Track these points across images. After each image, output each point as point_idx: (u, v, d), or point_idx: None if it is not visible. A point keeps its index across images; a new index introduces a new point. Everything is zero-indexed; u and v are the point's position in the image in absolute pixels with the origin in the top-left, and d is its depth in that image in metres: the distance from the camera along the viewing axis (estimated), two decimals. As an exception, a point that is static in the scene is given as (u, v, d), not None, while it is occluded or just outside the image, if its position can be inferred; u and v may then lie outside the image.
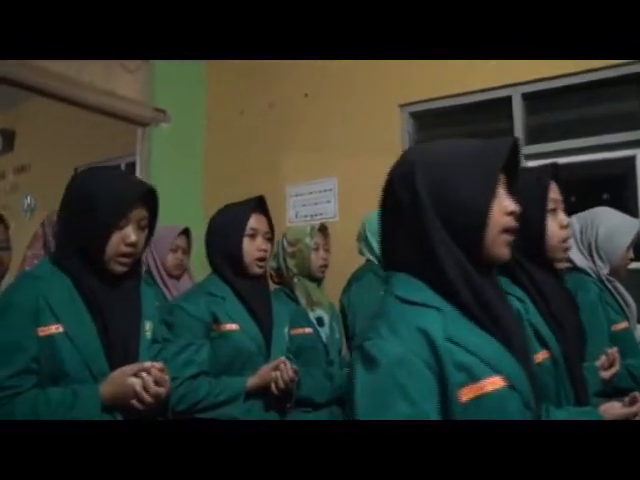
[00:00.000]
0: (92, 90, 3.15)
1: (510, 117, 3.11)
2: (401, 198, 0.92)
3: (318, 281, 2.12)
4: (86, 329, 1.21)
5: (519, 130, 3.08)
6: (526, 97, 3.08)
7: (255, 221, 1.69)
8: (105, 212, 1.20)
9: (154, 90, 3.56)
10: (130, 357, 1.24)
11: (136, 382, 1.16)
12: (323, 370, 1.96)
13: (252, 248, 1.66)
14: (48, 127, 4.49)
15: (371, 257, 2.41)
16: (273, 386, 1.60)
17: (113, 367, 1.21)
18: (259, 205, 1.71)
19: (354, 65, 3.26)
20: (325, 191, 3.49)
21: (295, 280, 2.04)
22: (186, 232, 2.49)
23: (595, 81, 2.85)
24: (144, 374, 1.17)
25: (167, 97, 3.64)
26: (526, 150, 3.05)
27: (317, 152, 3.57)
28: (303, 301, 2.01)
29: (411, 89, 3.28)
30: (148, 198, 1.30)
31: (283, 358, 1.62)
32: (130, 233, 1.24)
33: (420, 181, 0.89)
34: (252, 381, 1.60)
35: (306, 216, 3.52)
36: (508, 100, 3.12)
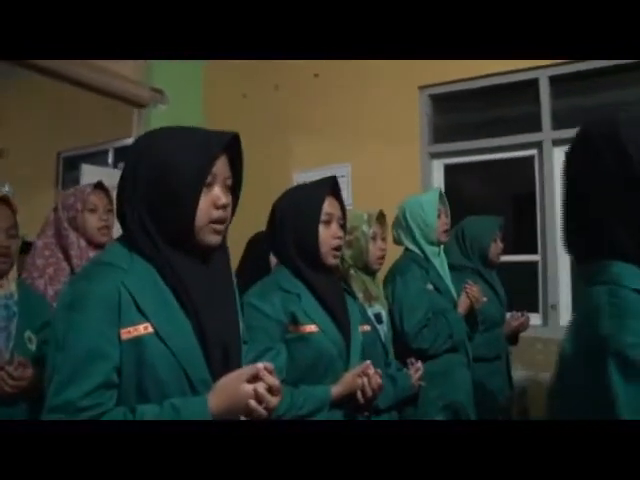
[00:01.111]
0: (88, 67, 2.87)
1: (536, 100, 2.99)
2: (605, 166, 0.77)
3: (372, 274, 1.92)
4: (180, 327, 0.98)
5: (546, 114, 2.96)
6: (553, 80, 2.96)
7: (329, 205, 1.48)
8: (189, 168, 0.97)
9: (152, 70, 3.29)
10: (232, 360, 1.02)
11: (258, 386, 0.93)
12: (384, 372, 1.76)
13: (328, 235, 1.45)
14: (26, 109, 4.14)
15: (412, 246, 2.23)
16: (359, 394, 1.40)
17: (213, 373, 0.99)
18: (332, 187, 1.51)
19: (370, 44, 3.06)
20: (338, 178, 3.28)
21: (351, 272, 1.84)
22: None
23: (623, 65, 2.75)
24: (265, 374, 0.94)
25: (165, 77, 3.37)
26: (553, 135, 2.93)
27: (329, 137, 3.36)
28: (360, 296, 1.80)
29: (431, 70, 3.10)
30: (231, 154, 1.08)
31: (368, 362, 1.42)
32: (219, 194, 1.02)
33: (632, 144, 0.74)
34: (336, 390, 1.39)
35: (316, 205, 3.31)
36: (534, 83, 2.99)
